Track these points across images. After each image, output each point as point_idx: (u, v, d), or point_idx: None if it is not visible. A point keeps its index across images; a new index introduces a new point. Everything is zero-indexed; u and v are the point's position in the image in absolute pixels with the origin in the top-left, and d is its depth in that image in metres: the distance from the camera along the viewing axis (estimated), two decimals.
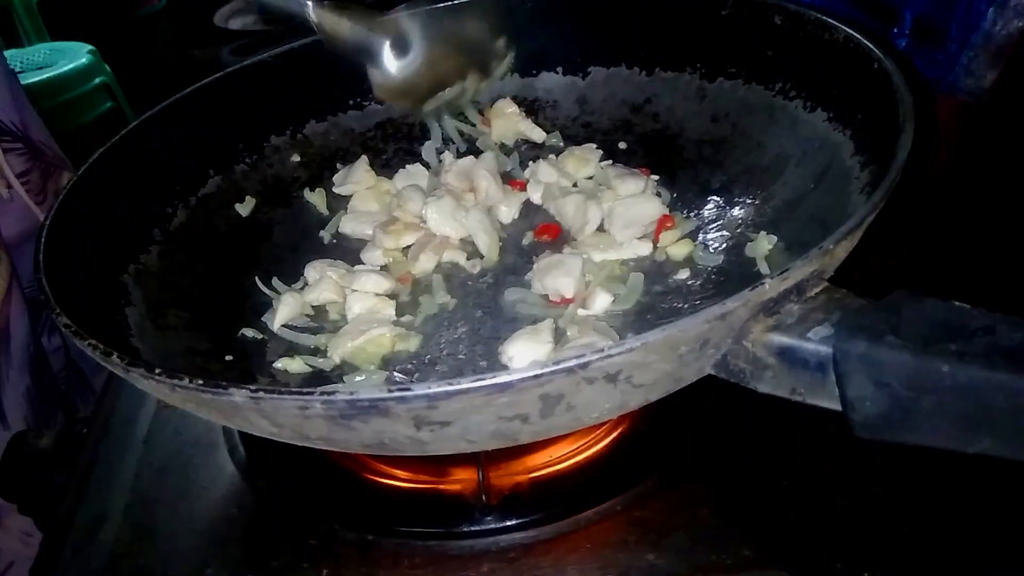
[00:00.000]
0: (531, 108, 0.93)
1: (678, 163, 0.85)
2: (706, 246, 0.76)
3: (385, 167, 0.93)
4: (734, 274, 0.72)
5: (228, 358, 0.71)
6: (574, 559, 0.61)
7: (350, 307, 0.75)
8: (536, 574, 0.60)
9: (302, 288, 0.79)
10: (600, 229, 0.79)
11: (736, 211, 0.78)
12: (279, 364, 0.71)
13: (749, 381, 0.49)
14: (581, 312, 0.71)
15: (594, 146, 0.88)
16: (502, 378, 0.42)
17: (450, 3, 0.87)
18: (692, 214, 0.80)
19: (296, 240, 0.86)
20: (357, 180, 0.89)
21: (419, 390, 0.43)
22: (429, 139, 0.94)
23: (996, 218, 0.84)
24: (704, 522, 0.62)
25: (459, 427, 0.46)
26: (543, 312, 0.71)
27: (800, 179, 0.73)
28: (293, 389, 0.44)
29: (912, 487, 0.63)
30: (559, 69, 0.92)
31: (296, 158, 0.91)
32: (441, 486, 0.68)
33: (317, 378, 0.70)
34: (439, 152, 0.93)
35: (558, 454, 0.68)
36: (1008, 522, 0.59)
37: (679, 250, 0.76)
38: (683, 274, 0.74)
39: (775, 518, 0.62)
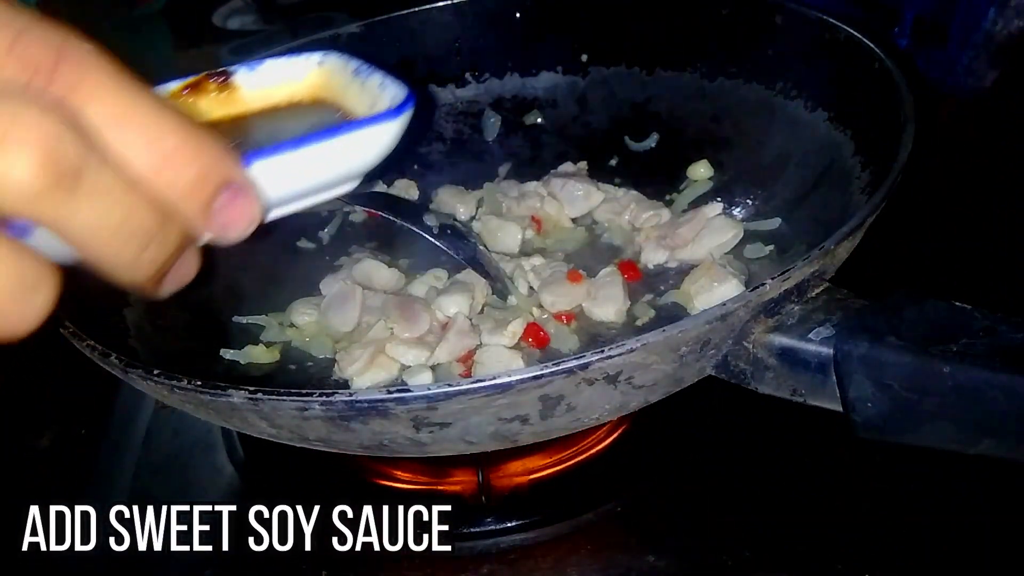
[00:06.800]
0: (531, 107, 0.93)
1: (678, 163, 0.85)
2: None
3: (383, 168, 0.92)
4: None
5: (227, 359, 0.71)
6: (574, 560, 0.61)
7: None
8: None
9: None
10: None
11: (737, 211, 0.78)
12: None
13: (750, 382, 0.49)
14: None
15: None
16: (501, 379, 0.42)
17: None
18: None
19: (295, 239, 0.86)
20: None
21: (418, 391, 0.43)
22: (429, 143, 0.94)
23: (996, 218, 0.84)
24: (704, 523, 0.62)
25: (459, 428, 0.46)
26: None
27: (801, 179, 0.73)
28: (292, 390, 0.44)
29: (912, 487, 0.63)
30: (559, 68, 0.91)
31: None
32: (441, 487, 0.68)
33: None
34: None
35: (558, 455, 0.68)
36: (1008, 522, 0.59)
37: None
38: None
39: (775, 518, 0.62)
